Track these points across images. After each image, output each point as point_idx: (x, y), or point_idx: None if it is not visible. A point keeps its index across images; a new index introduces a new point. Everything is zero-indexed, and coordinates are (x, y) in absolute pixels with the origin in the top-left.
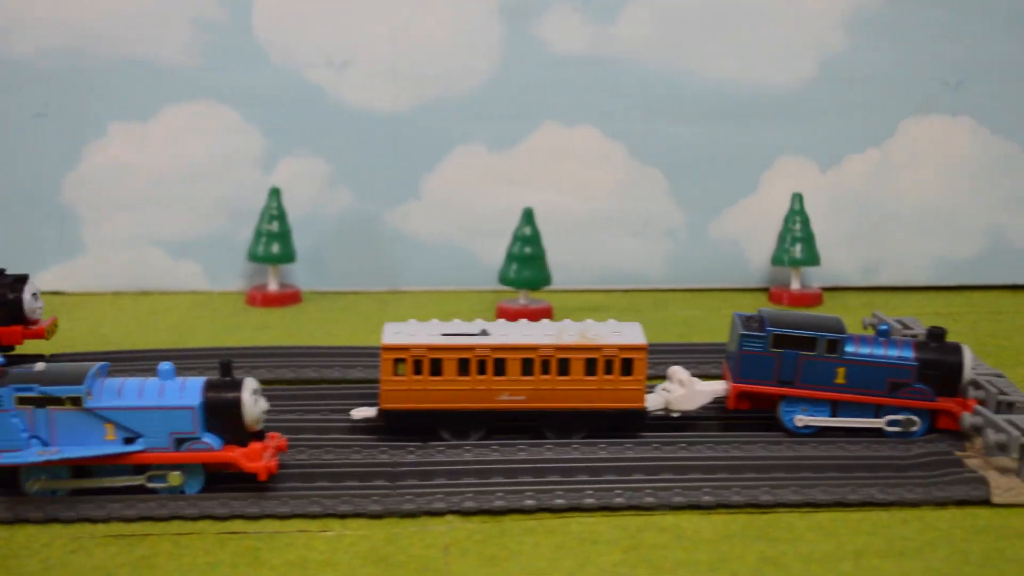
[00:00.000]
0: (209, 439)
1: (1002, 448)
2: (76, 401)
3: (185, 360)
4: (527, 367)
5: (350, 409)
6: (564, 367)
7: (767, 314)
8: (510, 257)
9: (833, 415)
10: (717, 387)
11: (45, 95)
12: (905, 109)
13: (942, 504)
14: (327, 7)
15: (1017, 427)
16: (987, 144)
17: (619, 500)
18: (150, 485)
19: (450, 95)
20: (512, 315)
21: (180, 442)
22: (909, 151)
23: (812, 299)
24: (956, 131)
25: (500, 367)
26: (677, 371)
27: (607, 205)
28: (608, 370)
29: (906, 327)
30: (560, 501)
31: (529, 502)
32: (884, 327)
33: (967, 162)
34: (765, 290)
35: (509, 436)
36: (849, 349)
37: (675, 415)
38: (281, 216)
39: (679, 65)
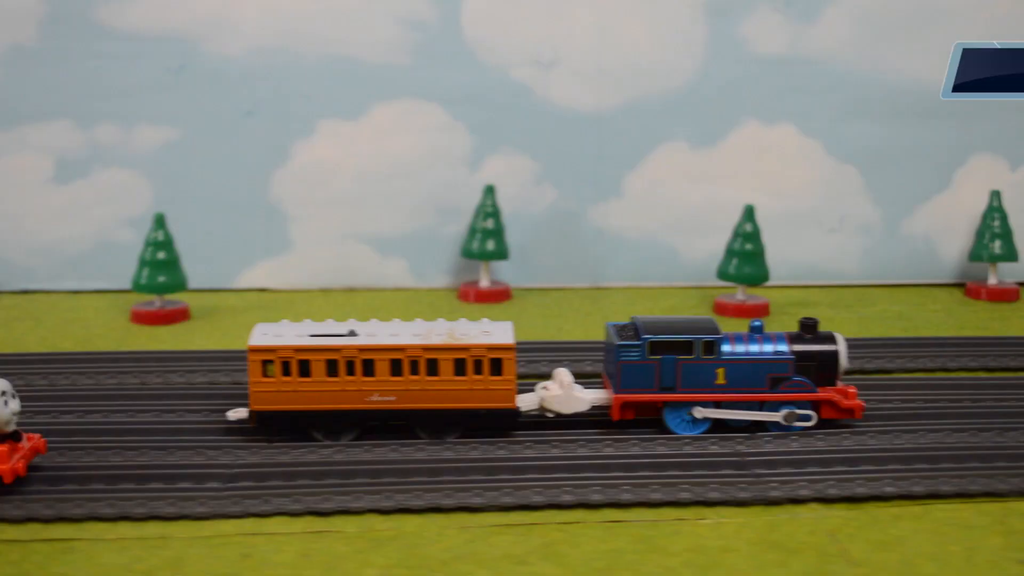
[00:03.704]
0: None
1: None
2: None
3: None
4: (396, 367)
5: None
6: (432, 367)
7: (641, 322)
8: (730, 253)
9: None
10: (596, 396)
11: (255, 94)
12: None
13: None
14: (534, 7)
15: None
16: None
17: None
18: None
19: (653, 93)
20: (731, 311)
21: None
22: None
23: (1009, 294)
24: None
25: (369, 368)
26: (561, 373)
27: (804, 202)
28: (478, 370)
29: None
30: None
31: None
32: (757, 323)
33: None
34: (959, 285)
35: (385, 437)
36: (726, 349)
37: (550, 415)
38: (496, 213)
39: (875, 65)
